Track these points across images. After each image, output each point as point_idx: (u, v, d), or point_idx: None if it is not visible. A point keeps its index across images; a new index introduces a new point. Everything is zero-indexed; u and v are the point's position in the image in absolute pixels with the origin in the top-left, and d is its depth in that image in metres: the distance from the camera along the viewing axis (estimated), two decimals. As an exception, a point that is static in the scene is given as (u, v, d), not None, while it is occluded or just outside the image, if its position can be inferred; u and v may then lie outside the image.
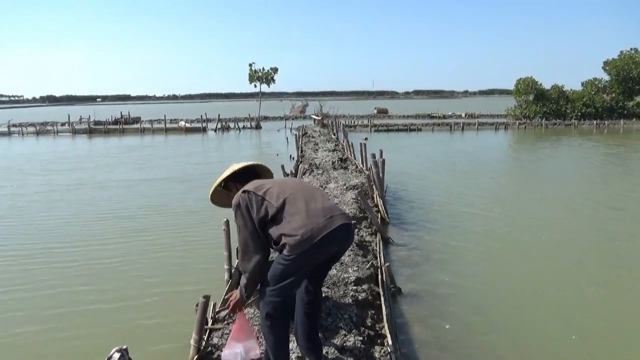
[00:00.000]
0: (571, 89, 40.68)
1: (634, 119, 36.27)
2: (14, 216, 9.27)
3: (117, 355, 2.16)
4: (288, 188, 2.75)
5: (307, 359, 2.95)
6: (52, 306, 5.14)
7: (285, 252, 2.54)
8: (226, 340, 3.41)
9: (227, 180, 3.05)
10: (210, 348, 3.31)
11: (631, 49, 38.99)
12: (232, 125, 36.21)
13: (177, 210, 9.58)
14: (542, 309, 4.90)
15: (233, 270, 4.77)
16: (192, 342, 3.23)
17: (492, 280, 5.73)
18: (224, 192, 3.07)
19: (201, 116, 36.86)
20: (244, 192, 2.73)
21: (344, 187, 9.16)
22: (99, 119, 39.65)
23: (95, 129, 34.18)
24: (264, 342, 2.79)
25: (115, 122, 38.28)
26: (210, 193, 3.13)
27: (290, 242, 2.51)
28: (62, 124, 38.25)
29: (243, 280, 2.72)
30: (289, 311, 2.80)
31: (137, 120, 41.43)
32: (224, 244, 4.70)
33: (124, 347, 2.21)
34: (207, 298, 3.23)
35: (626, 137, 26.63)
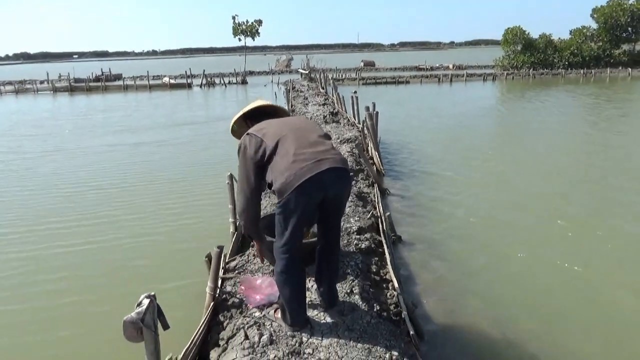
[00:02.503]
0: (559, 38, 40.48)
1: (620, 67, 36.36)
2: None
3: (146, 301, 2.23)
4: (286, 128, 2.73)
5: (321, 307, 3.12)
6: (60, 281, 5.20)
7: (277, 199, 2.62)
8: (237, 287, 3.55)
9: (245, 118, 3.09)
10: (225, 295, 3.43)
11: (620, -5, 38.62)
12: (217, 80, 35.49)
13: (160, 177, 8.71)
14: (532, 249, 5.12)
15: (238, 222, 4.87)
16: (207, 290, 3.34)
17: (484, 225, 5.91)
18: (242, 130, 3.04)
19: (185, 72, 35.99)
20: (247, 134, 2.77)
21: (338, 140, 9.20)
22: (79, 77, 38.46)
23: (76, 87, 33.35)
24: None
25: (97, 79, 37.28)
26: (230, 129, 3.21)
27: (276, 187, 2.56)
28: (41, 82, 37.11)
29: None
30: (300, 266, 2.83)
31: (118, 77, 40.36)
32: (229, 198, 4.76)
33: (152, 293, 2.29)
34: (220, 248, 3.32)
35: (612, 86, 26.80)
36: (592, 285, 4.42)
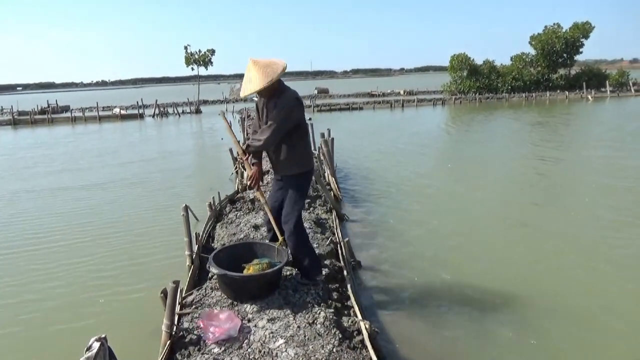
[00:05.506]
0: (501, 64, 42.65)
1: (558, 91, 38.67)
2: None
3: (96, 345, 2.12)
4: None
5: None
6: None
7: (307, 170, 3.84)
8: (195, 323, 3.43)
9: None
10: (182, 332, 3.30)
11: (554, 23, 41.31)
12: (170, 110, 35.01)
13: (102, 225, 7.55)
14: (490, 268, 5.26)
15: (194, 255, 4.75)
16: (163, 327, 3.20)
17: (441, 246, 6.03)
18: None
19: (137, 102, 35.32)
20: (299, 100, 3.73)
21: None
22: (23, 109, 36.95)
23: (20, 120, 31.98)
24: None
25: (42, 111, 35.89)
26: (264, 85, 3.46)
27: (303, 157, 3.78)
28: (-18, 116, 35.39)
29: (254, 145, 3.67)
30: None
31: (66, 108, 39.17)
32: (184, 231, 4.64)
33: (103, 335, 2.18)
34: (176, 283, 3.21)
35: (551, 108, 28.40)
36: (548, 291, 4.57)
